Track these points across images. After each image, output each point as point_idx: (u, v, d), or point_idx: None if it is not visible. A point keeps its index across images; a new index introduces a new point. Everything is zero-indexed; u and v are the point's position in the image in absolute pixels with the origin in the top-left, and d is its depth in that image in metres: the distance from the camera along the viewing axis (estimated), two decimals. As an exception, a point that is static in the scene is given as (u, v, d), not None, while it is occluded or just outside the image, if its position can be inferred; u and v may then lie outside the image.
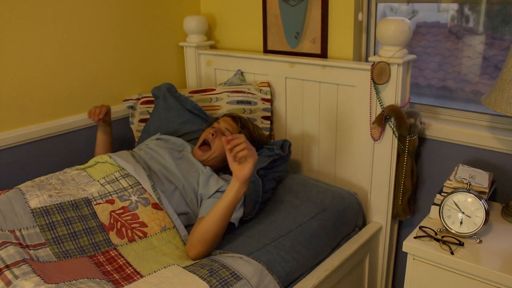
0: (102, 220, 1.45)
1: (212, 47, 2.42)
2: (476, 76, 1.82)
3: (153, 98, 2.13)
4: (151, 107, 2.12)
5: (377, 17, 1.95)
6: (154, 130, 2.00)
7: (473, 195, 1.42)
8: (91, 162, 1.68)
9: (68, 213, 1.43)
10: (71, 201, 1.46)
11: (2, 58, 1.78)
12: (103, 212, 1.47)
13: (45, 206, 1.42)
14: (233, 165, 1.38)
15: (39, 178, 1.61)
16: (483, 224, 1.40)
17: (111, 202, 1.49)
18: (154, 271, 1.32)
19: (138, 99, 2.17)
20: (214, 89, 2.16)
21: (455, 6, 1.82)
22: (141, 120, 2.14)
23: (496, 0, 1.69)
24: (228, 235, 1.59)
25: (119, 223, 1.46)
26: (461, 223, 1.43)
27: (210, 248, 1.45)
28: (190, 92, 2.17)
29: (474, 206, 1.41)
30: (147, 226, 1.48)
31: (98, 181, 1.57)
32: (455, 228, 1.44)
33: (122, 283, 1.27)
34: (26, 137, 1.87)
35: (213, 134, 1.72)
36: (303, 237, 1.59)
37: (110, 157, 1.65)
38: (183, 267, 1.34)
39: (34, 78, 1.89)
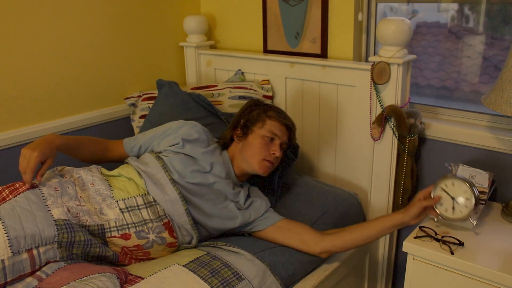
0: (114, 250, 1.40)
1: (212, 47, 2.42)
2: (476, 76, 1.82)
3: (154, 95, 2.14)
4: (152, 103, 2.13)
5: (377, 17, 1.95)
6: (156, 117, 1.97)
7: (458, 178, 1.41)
8: (115, 172, 1.54)
9: (89, 235, 1.35)
10: (86, 225, 1.37)
11: (2, 58, 1.78)
12: (115, 246, 1.40)
13: (68, 220, 1.32)
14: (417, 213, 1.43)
15: (64, 168, 1.49)
16: (474, 205, 1.38)
17: (127, 237, 1.40)
18: (155, 272, 1.32)
19: (140, 96, 2.17)
20: (216, 85, 2.16)
21: (455, 6, 1.82)
22: (141, 117, 2.14)
23: (496, 0, 1.69)
24: (238, 235, 1.62)
25: (128, 256, 1.43)
26: (453, 208, 1.42)
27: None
28: (192, 89, 2.18)
29: (461, 188, 1.41)
30: (155, 259, 1.47)
31: (117, 202, 1.43)
32: (448, 214, 1.42)
33: (125, 286, 1.27)
34: (26, 137, 1.87)
35: (277, 157, 1.57)
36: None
37: (142, 179, 1.48)
38: (183, 265, 1.34)
39: (34, 78, 1.89)
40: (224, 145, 1.67)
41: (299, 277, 1.52)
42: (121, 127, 2.20)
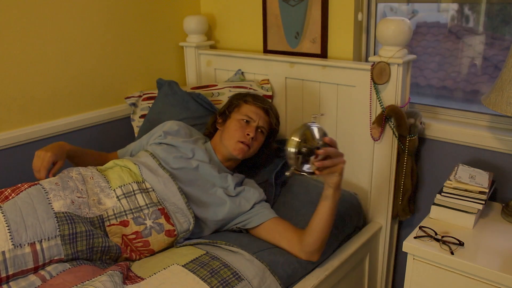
0: (115, 241, 1.42)
1: (212, 47, 2.42)
2: (476, 76, 1.82)
3: (154, 95, 2.14)
4: (151, 103, 2.13)
5: (377, 17, 1.95)
6: (156, 115, 2.00)
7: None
8: (109, 164, 1.61)
9: (90, 225, 1.38)
10: (87, 218, 1.40)
11: (2, 58, 1.78)
12: (115, 235, 1.42)
13: (69, 212, 1.36)
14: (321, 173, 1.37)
15: (63, 171, 1.54)
16: (294, 154, 1.29)
17: (125, 224, 1.44)
18: (154, 273, 1.31)
19: (140, 96, 2.18)
20: (216, 85, 2.17)
21: (455, 6, 1.82)
22: (142, 116, 2.15)
23: (496, 0, 1.69)
24: (236, 233, 1.62)
25: (129, 248, 1.44)
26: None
27: (324, 247, 1.50)
28: (192, 88, 2.18)
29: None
30: (154, 252, 1.48)
31: (114, 190, 1.49)
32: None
33: (126, 282, 1.27)
34: (26, 137, 1.87)
35: (252, 138, 1.63)
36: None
37: (136, 165, 1.56)
38: (182, 266, 1.34)
39: (34, 78, 1.89)
40: (209, 135, 1.80)
41: (299, 277, 1.51)
42: (121, 127, 2.20)
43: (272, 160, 1.83)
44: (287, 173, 1.33)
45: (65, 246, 1.30)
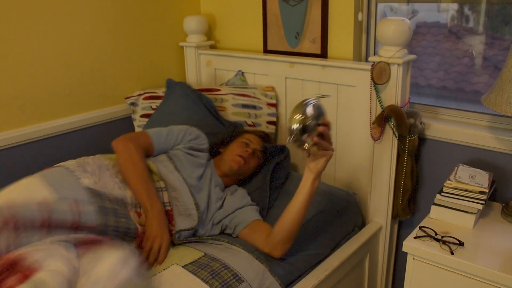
0: (136, 225, 1.43)
1: (212, 47, 2.42)
2: (476, 76, 1.82)
3: (155, 94, 2.14)
4: (154, 102, 2.13)
5: (377, 17, 1.95)
6: (166, 115, 2.00)
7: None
8: None
9: (115, 204, 1.41)
10: (110, 194, 1.43)
11: (2, 58, 1.78)
12: (133, 219, 1.44)
13: (95, 189, 1.40)
14: (308, 159, 1.40)
15: (73, 160, 1.56)
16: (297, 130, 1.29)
17: (139, 215, 1.46)
18: (154, 274, 1.31)
19: (140, 94, 2.17)
20: (220, 90, 2.15)
21: (455, 6, 1.82)
22: (143, 116, 2.14)
23: (496, 0, 1.70)
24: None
25: (139, 239, 1.44)
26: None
27: (293, 241, 1.49)
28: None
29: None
30: None
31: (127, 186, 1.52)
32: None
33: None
34: (26, 137, 1.87)
35: (250, 154, 1.73)
36: (302, 239, 1.59)
37: (155, 164, 1.59)
38: (182, 266, 1.34)
39: (34, 78, 1.89)
40: (211, 154, 1.85)
41: (297, 275, 1.52)
42: (121, 127, 2.20)
43: (264, 166, 1.84)
44: (290, 140, 1.33)
45: (98, 216, 1.32)
